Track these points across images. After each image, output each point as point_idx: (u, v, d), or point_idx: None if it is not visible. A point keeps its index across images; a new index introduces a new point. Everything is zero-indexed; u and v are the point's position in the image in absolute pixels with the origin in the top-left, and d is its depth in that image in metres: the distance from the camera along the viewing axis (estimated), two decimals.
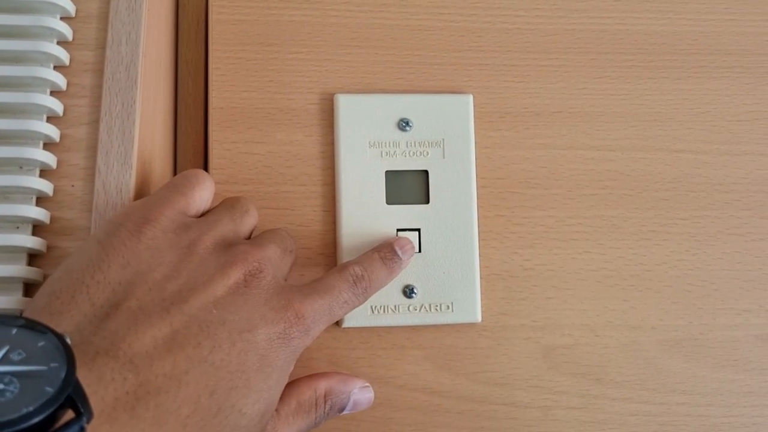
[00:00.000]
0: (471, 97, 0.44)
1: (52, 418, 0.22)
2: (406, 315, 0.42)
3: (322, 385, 0.37)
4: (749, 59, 0.46)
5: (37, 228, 0.34)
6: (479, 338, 0.42)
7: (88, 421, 0.22)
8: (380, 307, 0.41)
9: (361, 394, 0.39)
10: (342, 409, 0.38)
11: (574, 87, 0.45)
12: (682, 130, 0.45)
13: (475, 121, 0.44)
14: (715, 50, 0.46)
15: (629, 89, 0.45)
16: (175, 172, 0.44)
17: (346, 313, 0.37)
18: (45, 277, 0.34)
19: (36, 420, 0.21)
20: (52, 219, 0.34)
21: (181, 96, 0.45)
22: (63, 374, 0.22)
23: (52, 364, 0.23)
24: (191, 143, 0.44)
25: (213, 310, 0.30)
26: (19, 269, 0.33)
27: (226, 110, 0.43)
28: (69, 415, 0.22)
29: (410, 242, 0.41)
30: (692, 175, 0.45)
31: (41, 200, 0.35)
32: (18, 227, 0.34)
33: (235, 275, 0.32)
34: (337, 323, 0.41)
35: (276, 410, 0.34)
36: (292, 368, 0.34)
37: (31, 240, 0.33)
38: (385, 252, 0.39)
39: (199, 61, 0.45)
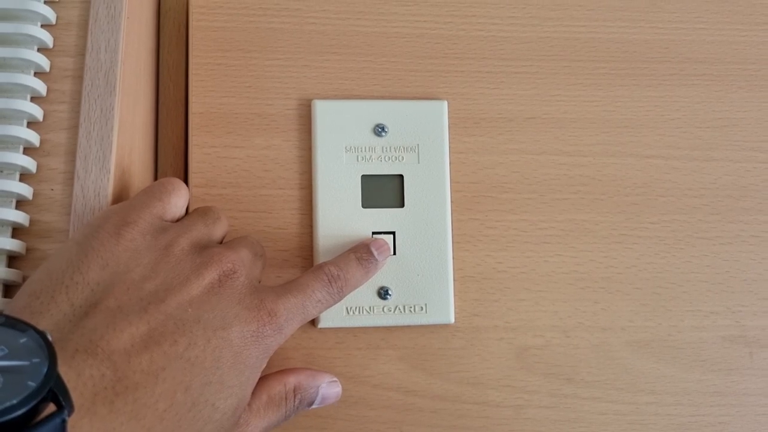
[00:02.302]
0: (446, 103, 0.45)
1: (35, 411, 0.22)
2: (381, 316, 0.43)
3: (291, 380, 0.38)
4: (718, 67, 0.48)
5: (17, 231, 0.35)
6: (453, 339, 0.43)
7: (69, 414, 0.23)
8: (355, 308, 0.42)
9: (329, 388, 0.40)
10: (311, 403, 0.39)
11: (547, 94, 0.46)
12: (652, 137, 0.46)
13: (449, 127, 0.45)
14: (685, 58, 0.47)
15: (601, 96, 0.46)
16: (156, 176, 0.45)
17: (320, 312, 0.38)
18: (24, 278, 0.34)
19: (19, 413, 0.22)
20: (31, 222, 0.35)
21: (163, 101, 0.45)
22: (45, 369, 0.23)
23: (34, 360, 0.23)
24: (172, 147, 0.45)
25: (189, 309, 0.31)
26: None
27: (205, 115, 0.44)
28: (50, 408, 0.23)
29: (386, 243, 0.42)
30: (662, 181, 0.46)
31: (21, 203, 0.36)
32: None
33: (210, 276, 0.33)
34: (313, 323, 0.42)
35: (248, 404, 0.35)
36: (264, 365, 0.35)
37: (10, 242, 0.34)
38: (362, 253, 0.40)
39: (180, 67, 0.46)
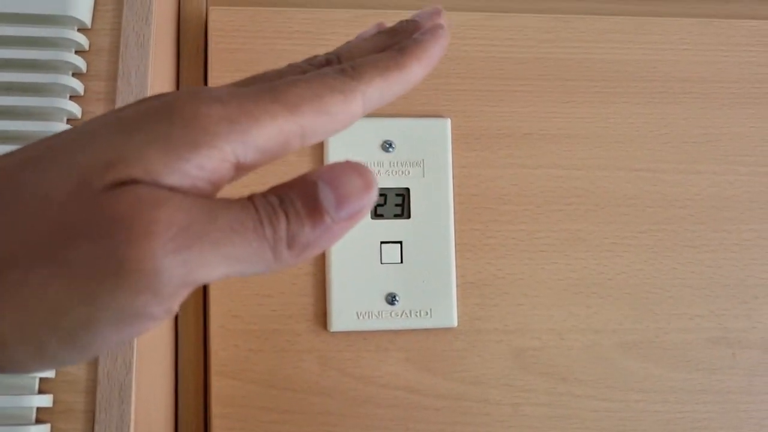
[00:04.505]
0: (449, 120, 0.48)
1: None
2: (389, 320, 0.46)
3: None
4: (703, 86, 0.51)
5: None
6: (455, 341, 0.46)
7: None
8: (365, 312, 0.45)
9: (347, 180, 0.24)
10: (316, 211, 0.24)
11: (543, 111, 0.49)
12: (641, 151, 0.50)
13: (452, 143, 0.48)
14: (671, 77, 0.51)
15: (594, 113, 0.50)
16: None
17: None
18: None
19: None
20: None
21: None
22: None
23: None
24: None
25: None
26: None
27: None
28: None
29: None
30: (650, 192, 0.49)
31: None
32: None
33: None
34: (325, 327, 0.45)
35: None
36: None
37: None
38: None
39: (198, 84, 0.49)
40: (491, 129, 0.49)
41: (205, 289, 0.46)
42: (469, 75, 0.49)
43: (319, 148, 0.47)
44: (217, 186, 0.23)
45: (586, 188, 0.49)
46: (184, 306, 0.46)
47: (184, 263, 0.21)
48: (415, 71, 0.28)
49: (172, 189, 0.22)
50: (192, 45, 0.49)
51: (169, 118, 0.22)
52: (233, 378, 0.45)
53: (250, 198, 0.23)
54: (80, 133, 0.23)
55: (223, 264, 0.22)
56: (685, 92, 0.51)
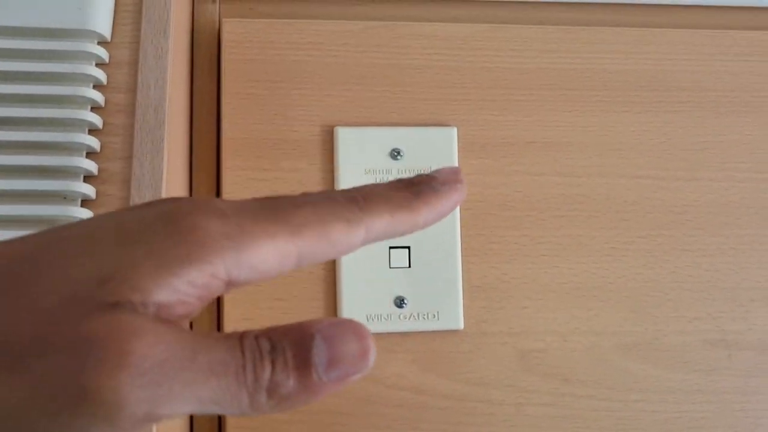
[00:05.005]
0: (455, 129, 0.49)
1: None
2: (397, 322, 0.47)
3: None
4: (701, 95, 0.52)
5: None
6: (461, 343, 0.48)
7: None
8: (374, 315, 0.47)
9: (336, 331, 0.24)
10: (305, 352, 0.23)
11: (546, 120, 0.51)
12: (641, 159, 0.51)
13: (458, 151, 0.49)
14: (670, 87, 0.52)
15: (595, 122, 0.51)
16: (190, 196, 0.49)
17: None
18: None
19: None
20: None
21: (196, 126, 0.50)
22: None
23: None
24: (205, 169, 0.49)
25: None
26: None
27: (237, 140, 0.48)
28: None
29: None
30: (650, 198, 0.51)
31: None
32: None
33: None
34: None
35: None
36: None
37: None
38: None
39: (211, 95, 0.50)
40: (496, 137, 0.50)
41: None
42: (474, 85, 0.50)
43: (329, 157, 0.48)
44: (204, 301, 0.23)
45: (587, 195, 0.50)
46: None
47: (149, 400, 0.20)
48: (424, 216, 0.27)
49: (159, 307, 0.21)
50: (205, 56, 0.51)
51: (166, 229, 0.22)
52: None
53: (241, 338, 0.22)
54: (81, 238, 0.23)
55: (193, 403, 0.21)
56: (683, 101, 0.52)
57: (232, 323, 0.46)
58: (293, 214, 0.24)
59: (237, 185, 0.47)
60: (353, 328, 0.23)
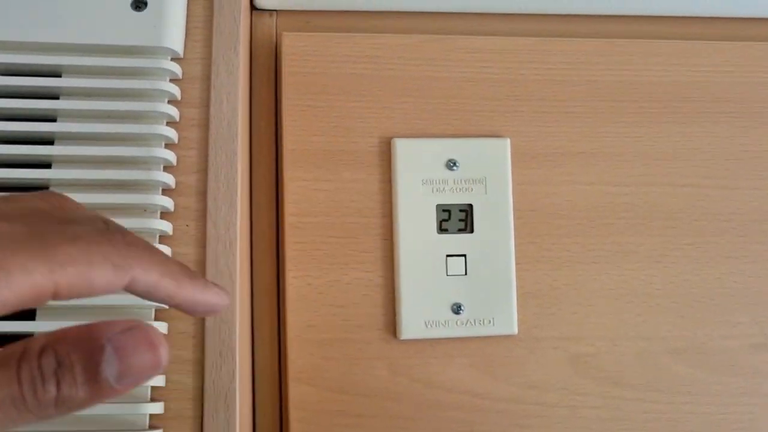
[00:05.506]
0: (508, 140, 0.51)
1: None
2: (455, 328, 0.49)
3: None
4: (744, 106, 0.54)
5: None
6: (515, 348, 0.49)
7: None
8: (432, 321, 0.48)
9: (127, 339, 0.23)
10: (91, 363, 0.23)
11: (594, 131, 0.52)
12: (686, 168, 0.53)
13: (511, 161, 0.51)
14: (715, 98, 0.54)
15: (641, 132, 0.53)
16: (251, 207, 0.50)
17: None
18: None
19: None
20: (173, 254, 0.41)
21: (255, 137, 0.51)
22: None
23: None
24: (264, 179, 0.50)
25: None
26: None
27: (297, 152, 0.49)
28: None
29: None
30: (695, 207, 0.52)
31: (163, 238, 0.41)
32: None
33: None
34: (395, 335, 0.48)
35: None
36: None
37: None
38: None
39: (269, 107, 0.51)
40: (547, 148, 0.52)
41: (281, 301, 0.49)
42: (526, 97, 0.52)
43: (387, 167, 0.50)
44: None
45: (635, 203, 0.52)
46: (259, 317, 0.49)
47: None
48: (184, 295, 0.27)
49: None
50: (263, 68, 0.52)
51: None
52: (309, 384, 0.47)
53: (19, 362, 0.21)
54: None
55: None
56: (726, 112, 0.54)
57: (295, 330, 0.47)
58: (60, 250, 0.23)
59: (299, 195, 0.49)
60: (146, 336, 0.23)
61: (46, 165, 0.41)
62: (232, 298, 0.41)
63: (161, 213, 0.41)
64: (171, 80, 0.43)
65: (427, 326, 0.48)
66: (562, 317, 0.50)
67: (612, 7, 0.54)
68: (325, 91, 0.50)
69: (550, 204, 0.51)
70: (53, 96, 0.42)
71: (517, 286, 0.50)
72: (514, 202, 0.50)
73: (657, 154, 0.52)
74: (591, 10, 0.55)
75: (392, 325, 0.48)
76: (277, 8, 0.52)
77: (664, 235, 0.52)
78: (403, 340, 0.48)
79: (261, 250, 0.50)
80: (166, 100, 0.43)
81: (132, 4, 0.43)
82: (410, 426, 0.48)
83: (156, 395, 0.39)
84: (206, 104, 0.43)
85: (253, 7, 0.52)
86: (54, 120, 0.42)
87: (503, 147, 0.51)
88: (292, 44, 0.50)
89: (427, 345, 0.49)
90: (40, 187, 0.40)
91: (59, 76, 0.42)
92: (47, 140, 0.42)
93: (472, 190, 0.50)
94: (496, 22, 0.54)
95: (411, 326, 0.48)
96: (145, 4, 0.43)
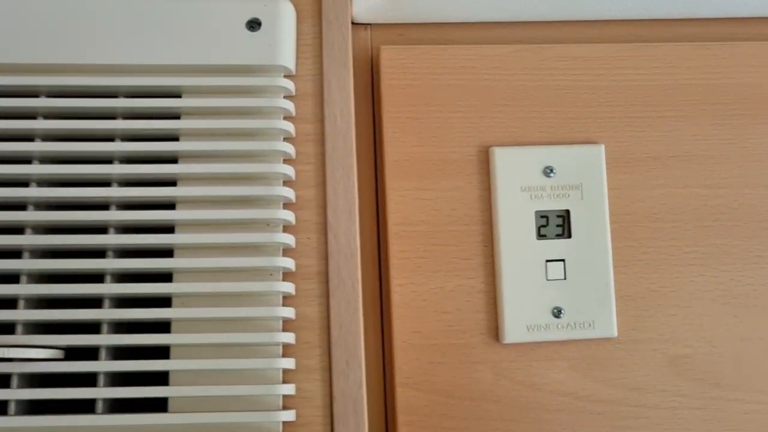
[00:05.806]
0: (603, 146, 0.52)
1: None
2: (555, 332, 0.50)
3: None
4: None
5: (286, 274, 0.42)
6: (615, 350, 0.50)
7: None
8: (534, 326, 0.49)
9: None
10: None
11: (687, 134, 0.53)
12: None
13: (606, 167, 0.52)
14: None
15: (734, 134, 0.53)
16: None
17: None
18: (297, 314, 0.42)
19: None
20: (297, 266, 0.42)
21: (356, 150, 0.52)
22: None
23: None
24: (364, 189, 0.52)
25: None
26: (275, 309, 0.41)
27: (399, 162, 0.50)
28: None
29: None
30: None
31: (286, 251, 0.43)
32: (272, 274, 0.42)
33: None
34: (497, 339, 0.49)
35: None
36: None
37: (283, 285, 0.41)
38: None
39: (367, 118, 0.53)
40: (640, 153, 0.52)
41: (386, 309, 0.50)
42: (619, 103, 0.53)
43: (486, 176, 0.51)
44: None
45: (729, 205, 0.52)
46: (364, 325, 0.50)
47: None
48: None
49: None
50: (359, 81, 0.53)
51: None
52: (416, 389, 0.49)
53: None
54: None
55: None
56: None
57: (401, 336, 0.49)
58: None
59: (401, 204, 0.50)
60: None
61: (171, 183, 0.43)
62: (354, 308, 0.42)
63: (283, 227, 0.43)
64: (285, 97, 0.45)
65: (528, 330, 0.49)
66: (660, 319, 0.51)
67: (702, 11, 0.55)
68: (423, 103, 0.51)
69: (646, 207, 0.52)
70: (174, 116, 0.44)
71: (615, 290, 0.50)
72: (609, 206, 0.51)
73: (750, 156, 0.53)
74: (682, 15, 0.55)
75: (495, 330, 0.50)
76: (372, 22, 0.54)
77: (759, 236, 0.52)
78: (505, 344, 0.49)
79: (364, 259, 0.51)
80: (282, 117, 0.44)
81: (246, 25, 0.44)
82: (513, 428, 0.49)
83: (287, 403, 0.40)
84: (320, 119, 0.44)
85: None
86: (177, 139, 0.43)
87: (598, 153, 0.51)
88: (391, 57, 0.51)
89: (528, 348, 0.50)
90: (167, 204, 0.42)
91: (179, 96, 0.44)
92: (171, 159, 0.43)
93: (569, 196, 0.51)
94: (585, 30, 0.55)
95: (513, 330, 0.49)
96: (259, 24, 0.44)
